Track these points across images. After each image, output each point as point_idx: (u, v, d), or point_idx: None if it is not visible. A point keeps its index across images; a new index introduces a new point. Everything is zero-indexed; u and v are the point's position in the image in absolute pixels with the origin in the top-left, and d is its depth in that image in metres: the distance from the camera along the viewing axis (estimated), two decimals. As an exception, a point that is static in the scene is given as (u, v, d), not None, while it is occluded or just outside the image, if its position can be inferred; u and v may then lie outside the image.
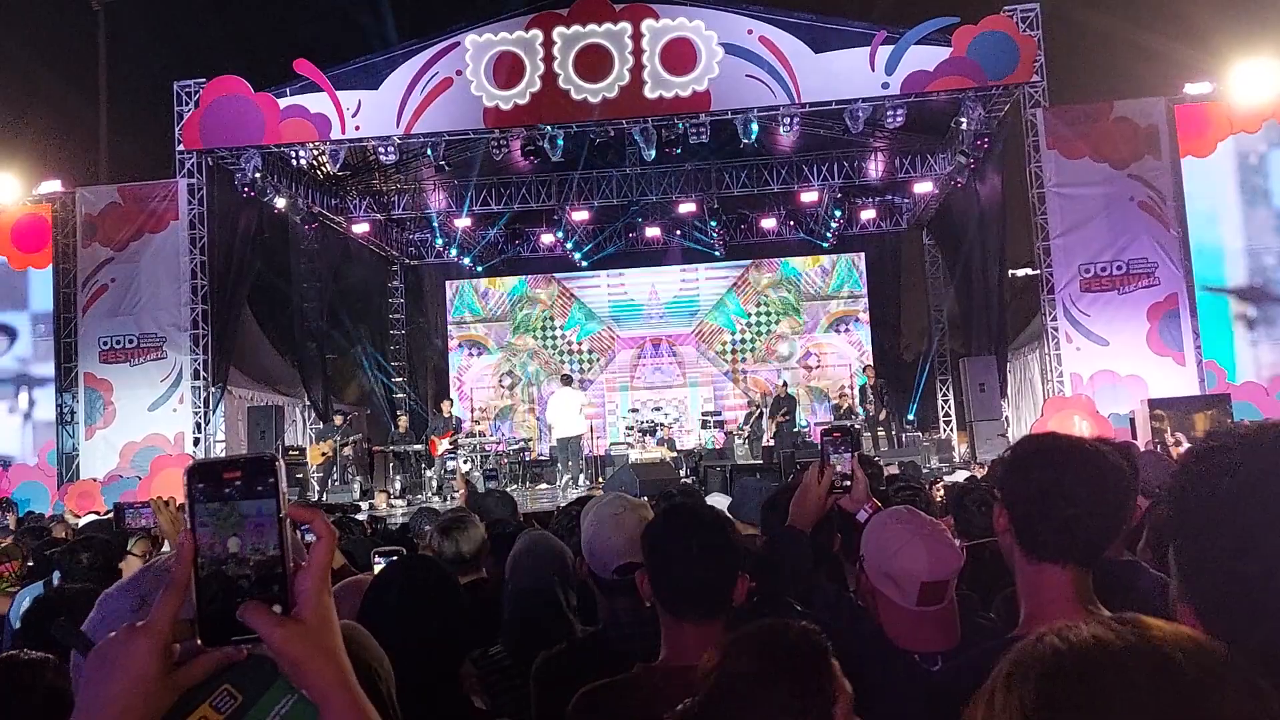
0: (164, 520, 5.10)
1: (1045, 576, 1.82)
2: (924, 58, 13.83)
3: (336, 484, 15.07)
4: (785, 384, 17.74)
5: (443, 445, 15.29)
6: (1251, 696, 0.70)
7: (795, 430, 16.12)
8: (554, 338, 20.89)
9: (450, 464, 15.17)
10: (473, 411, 20.02)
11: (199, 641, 0.96)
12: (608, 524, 2.75)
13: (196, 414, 14.65)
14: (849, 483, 2.56)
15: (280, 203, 15.89)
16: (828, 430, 2.66)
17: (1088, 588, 1.80)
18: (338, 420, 15.65)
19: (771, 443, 15.60)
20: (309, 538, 1.03)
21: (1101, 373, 13.48)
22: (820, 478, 2.56)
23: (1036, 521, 1.82)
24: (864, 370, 17.36)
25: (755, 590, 2.49)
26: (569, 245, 19.72)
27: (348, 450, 15.14)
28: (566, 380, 16.55)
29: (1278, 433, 1.03)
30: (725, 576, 2.17)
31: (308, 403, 17.60)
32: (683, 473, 13.72)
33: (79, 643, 1.05)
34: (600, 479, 15.28)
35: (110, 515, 7.85)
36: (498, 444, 16.98)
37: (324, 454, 14.96)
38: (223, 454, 14.64)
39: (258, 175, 14.84)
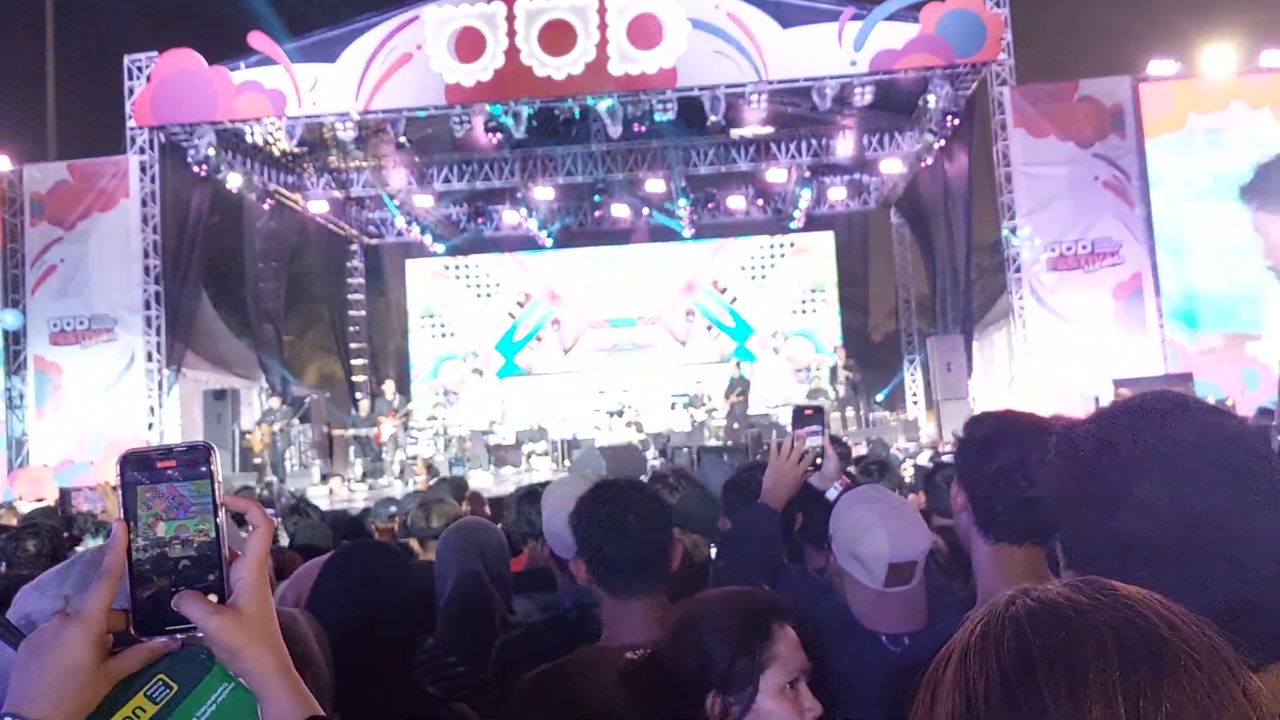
0: (112, 506, 4.91)
1: (1002, 556, 1.80)
2: (892, 35, 13.73)
3: (296, 468, 14.80)
4: (738, 363, 17.64)
5: (387, 429, 15.08)
6: (1210, 649, 0.73)
7: (748, 413, 16.05)
8: (516, 319, 20.69)
9: (412, 449, 14.95)
10: (444, 394, 19.76)
11: (132, 631, 0.96)
12: (570, 505, 2.68)
13: (150, 397, 14.32)
14: (820, 459, 2.55)
15: (235, 180, 15.52)
16: (799, 407, 2.64)
17: (1044, 566, 1.79)
18: (275, 403, 15.31)
19: (724, 422, 15.61)
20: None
21: (1067, 351, 13.51)
22: (790, 455, 2.54)
23: (995, 502, 1.79)
24: (834, 350, 17.32)
25: (723, 570, 2.47)
26: (534, 224, 19.49)
27: (286, 430, 14.78)
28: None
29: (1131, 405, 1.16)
30: (663, 546, 2.21)
31: (265, 385, 17.27)
32: (650, 454, 13.61)
33: (7, 634, 1.03)
34: (567, 461, 15.15)
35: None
36: (461, 426, 16.76)
37: (262, 440, 14.60)
38: (179, 438, 14.34)
39: (212, 152, 14.51)
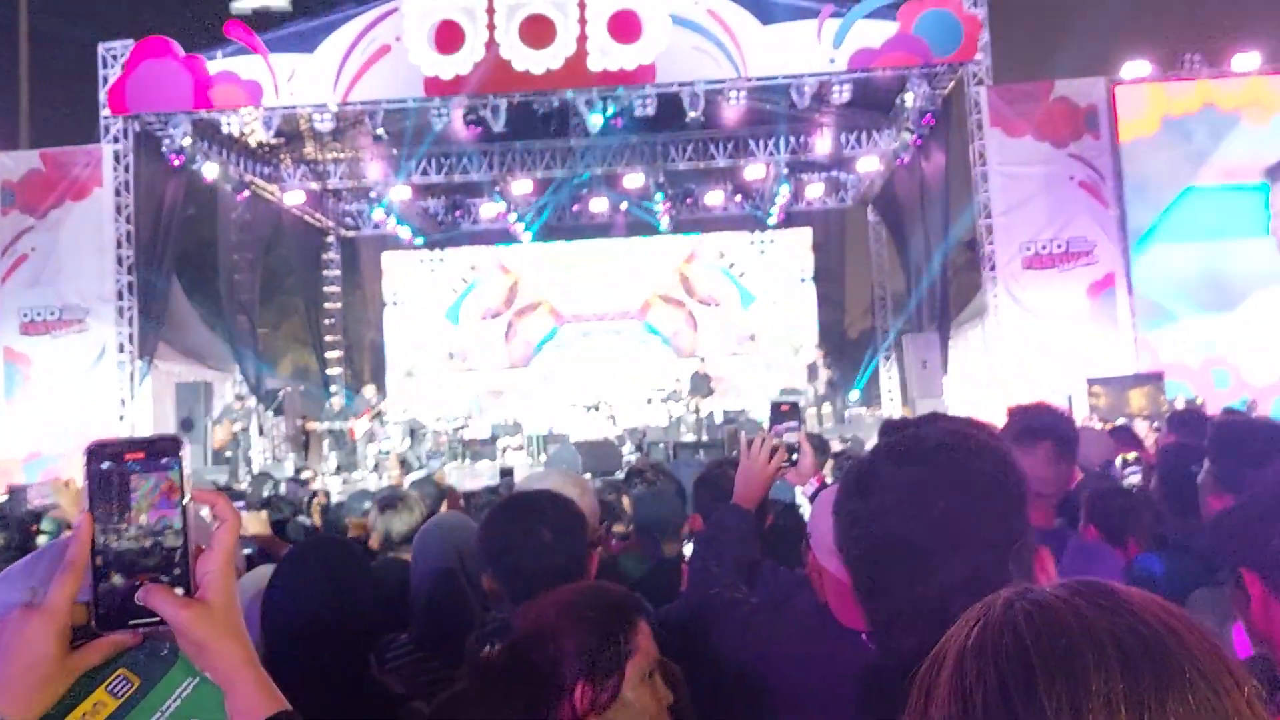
0: (65, 501, 4.86)
1: None
2: (870, 33, 13.79)
3: (269, 461, 14.70)
4: (703, 360, 17.63)
5: (360, 427, 15.02)
6: (1214, 657, 0.71)
7: (727, 409, 16.08)
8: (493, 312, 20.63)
9: (386, 444, 14.90)
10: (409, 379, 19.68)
11: (93, 625, 0.94)
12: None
13: (121, 389, 14.18)
14: (796, 455, 2.52)
15: (211, 171, 15.39)
16: (776, 403, 2.62)
17: None
18: (236, 403, 15.17)
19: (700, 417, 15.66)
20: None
21: (1041, 349, 13.61)
22: (764, 451, 2.49)
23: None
24: (814, 348, 17.38)
25: (698, 569, 2.44)
26: (511, 217, 19.43)
27: (248, 429, 14.65)
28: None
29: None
30: (580, 555, 2.17)
31: (238, 378, 17.13)
32: (626, 450, 13.62)
33: None
34: (543, 456, 15.13)
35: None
36: (439, 420, 16.70)
37: (222, 439, 14.46)
38: (151, 430, 14.22)
39: (187, 142, 14.39)
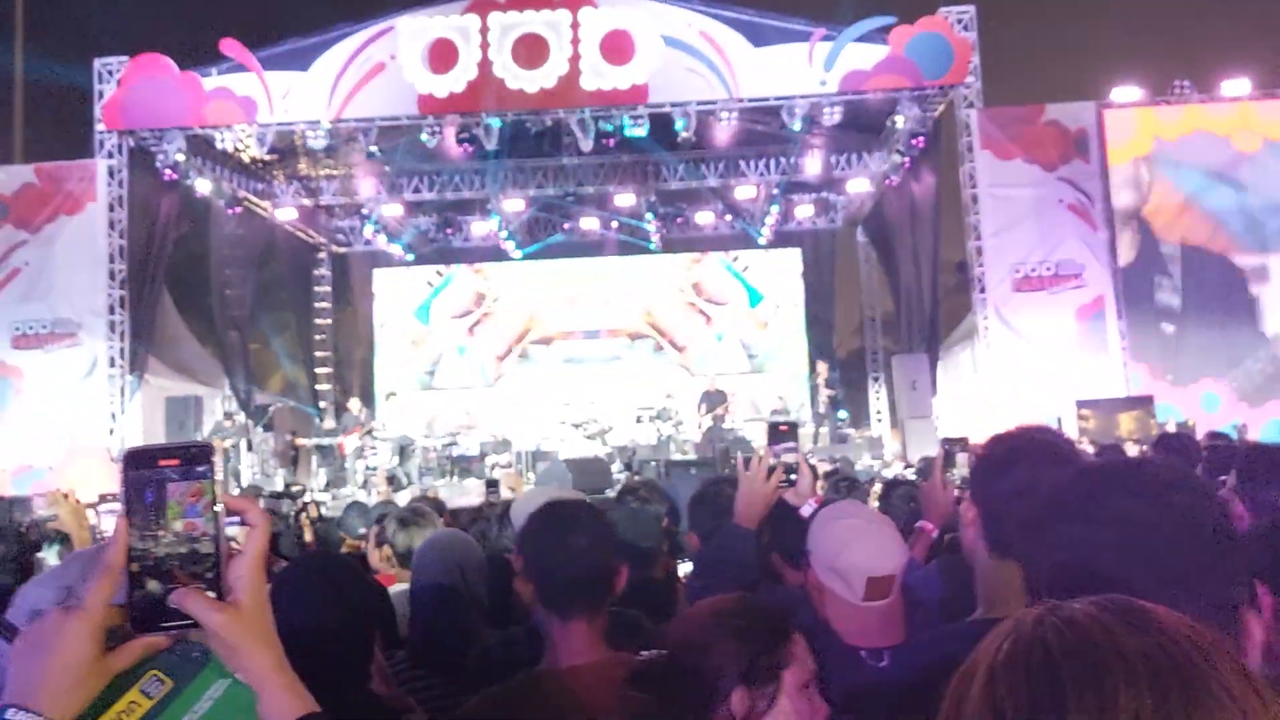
0: (64, 514, 4.85)
1: (1006, 573, 1.79)
2: (862, 56, 13.91)
3: (259, 476, 14.65)
4: (715, 377, 17.61)
5: (350, 444, 15.00)
6: (1241, 677, 0.72)
7: (728, 428, 16.05)
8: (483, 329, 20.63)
9: (374, 460, 14.87)
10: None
11: (128, 627, 0.97)
12: None
13: (112, 403, 14.16)
14: (794, 475, 2.57)
15: (204, 186, 15.42)
16: (774, 423, 2.69)
17: None
18: (226, 422, 15.12)
19: (691, 436, 15.62)
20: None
21: (1030, 371, 13.68)
22: (762, 471, 2.54)
23: (1006, 520, 1.80)
24: (818, 365, 17.38)
25: (698, 590, 2.46)
26: (503, 235, 19.47)
27: (237, 446, 14.60)
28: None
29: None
30: (609, 568, 2.21)
31: (228, 393, 17.10)
32: (615, 468, 13.62)
33: (4, 629, 1.05)
34: (531, 474, 15.10)
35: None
36: (425, 437, 16.66)
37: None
38: (139, 444, 14.17)
39: (181, 157, 14.40)
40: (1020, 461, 1.83)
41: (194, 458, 0.99)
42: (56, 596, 1.12)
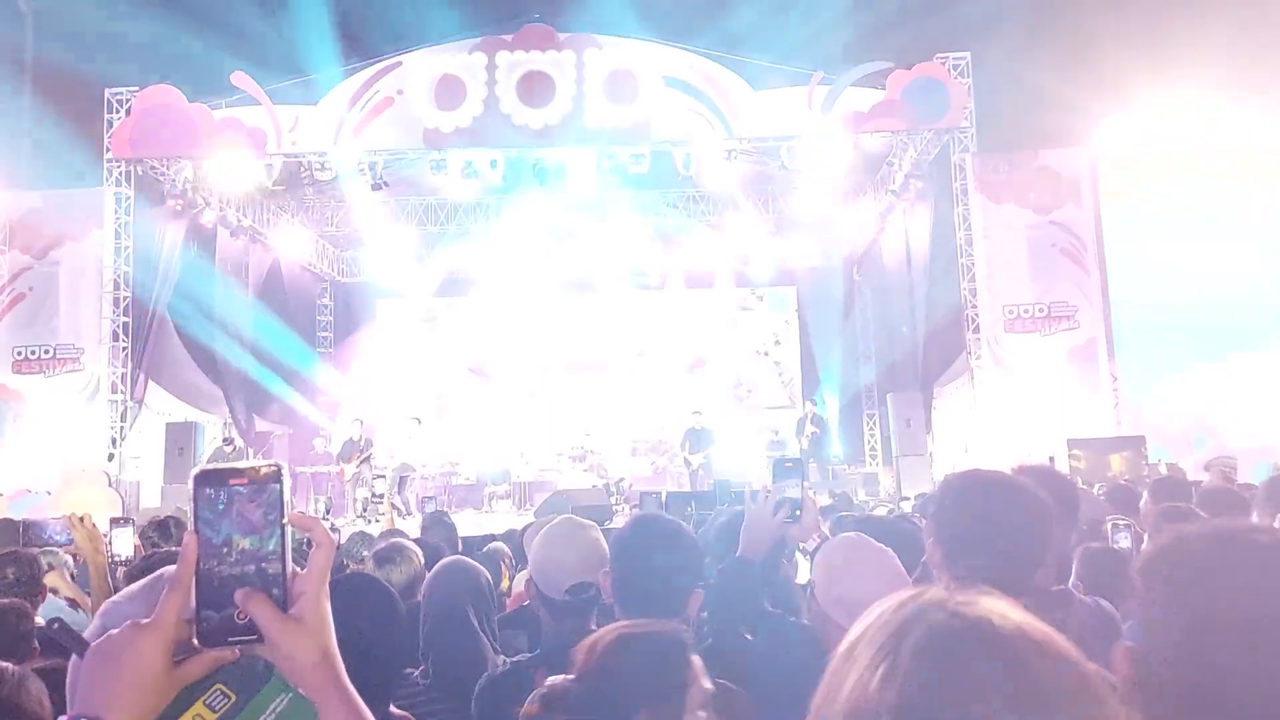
0: (79, 538, 4.91)
1: None
2: (860, 99, 14.16)
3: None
4: (699, 414, 17.03)
5: (350, 470, 15.07)
6: (1069, 662, 0.81)
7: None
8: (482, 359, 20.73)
9: (379, 487, 14.92)
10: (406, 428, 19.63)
11: (195, 642, 1.00)
12: (559, 544, 2.79)
13: (113, 428, 14.23)
14: (799, 511, 2.59)
15: (210, 216, 15.58)
16: (780, 459, 2.71)
17: None
18: (227, 449, 15.10)
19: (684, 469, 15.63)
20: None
21: (1023, 411, 13.82)
22: (769, 505, 2.59)
23: (967, 553, 1.88)
24: (805, 404, 17.50)
25: (704, 622, 2.53)
26: (506, 267, 19.61)
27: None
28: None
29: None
30: (684, 588, 2.27)
31: (228, 420, 17.14)
32: (612, 501, 13.67)
33: (75, 643, 1.06)
34: (529, 504, 15.17)
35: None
36: (424, 466, 16.73)
37: None
38: (140, 470, 14.24)
39: (188, 187, 14.55)
40: (973, 497, 1.94)
41: (263, 476, 1.01)
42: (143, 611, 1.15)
